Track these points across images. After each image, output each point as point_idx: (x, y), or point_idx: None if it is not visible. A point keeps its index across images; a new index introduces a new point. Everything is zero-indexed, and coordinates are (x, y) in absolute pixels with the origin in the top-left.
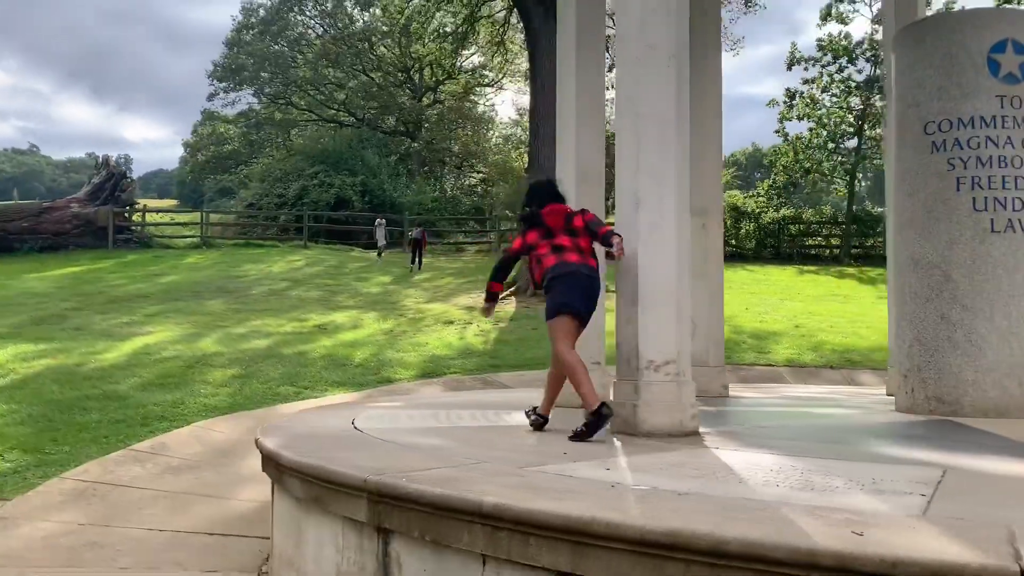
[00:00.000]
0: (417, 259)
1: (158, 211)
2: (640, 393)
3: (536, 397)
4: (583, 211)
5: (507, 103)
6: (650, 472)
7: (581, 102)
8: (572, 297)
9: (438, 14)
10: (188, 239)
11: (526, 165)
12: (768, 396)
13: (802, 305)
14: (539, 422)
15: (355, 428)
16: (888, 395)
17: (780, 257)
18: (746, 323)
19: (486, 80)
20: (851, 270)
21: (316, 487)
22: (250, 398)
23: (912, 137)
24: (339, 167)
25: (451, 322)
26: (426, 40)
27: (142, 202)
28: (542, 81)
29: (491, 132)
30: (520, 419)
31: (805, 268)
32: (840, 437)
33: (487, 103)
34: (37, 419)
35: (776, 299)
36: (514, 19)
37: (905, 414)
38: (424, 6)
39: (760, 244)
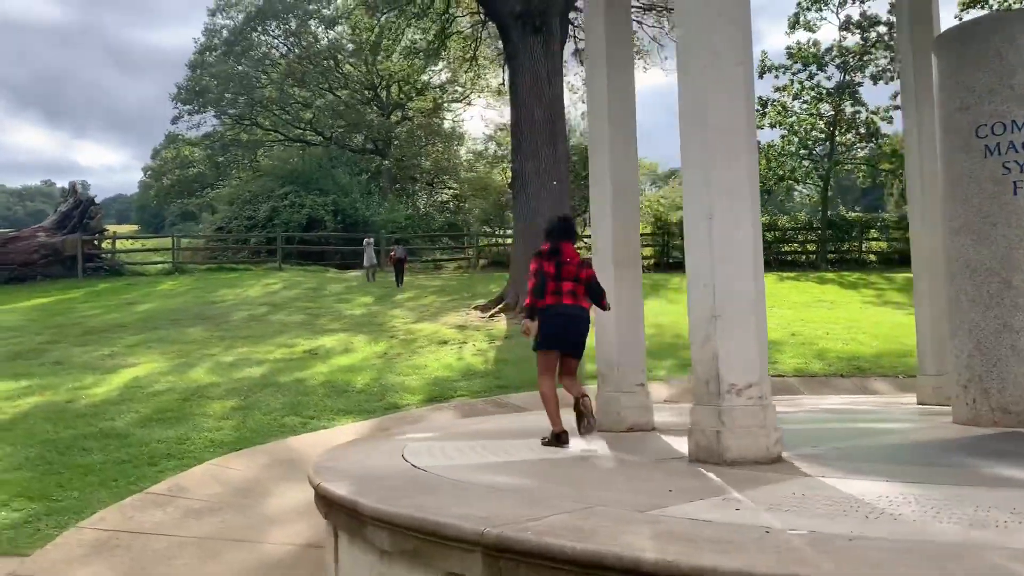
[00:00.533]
0: (399, 278)
1: (127, 237)
2: (723, 419)
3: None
4: (588, 265)
5: (475, 118)
6: (781, 509)
7: (613, 110)
8: (559, 337)
9: (408, 31)
10: (159, 265)
11: (509, 180)
12: (800, 410)
13: (792, 312)
14: (561, 438)
15: (414, 466)
16: (920, 404)
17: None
18: None
19: (455, 96)
20: (831, 275)
21: (412, 539)
22: (256, 431)
23: (961, 141)
24: (310, 187)
25: (445, 342)
26: (395, 57)
27: (111, 229)
28: (522, 96)
29: (461, 148)
30: (577, 448)
31: (784, 275)
32: (930, 457)
33: (456, 119)
34: (36, 462)
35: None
36: (486, 34)
37: (969, 426)
38: (394, 23)
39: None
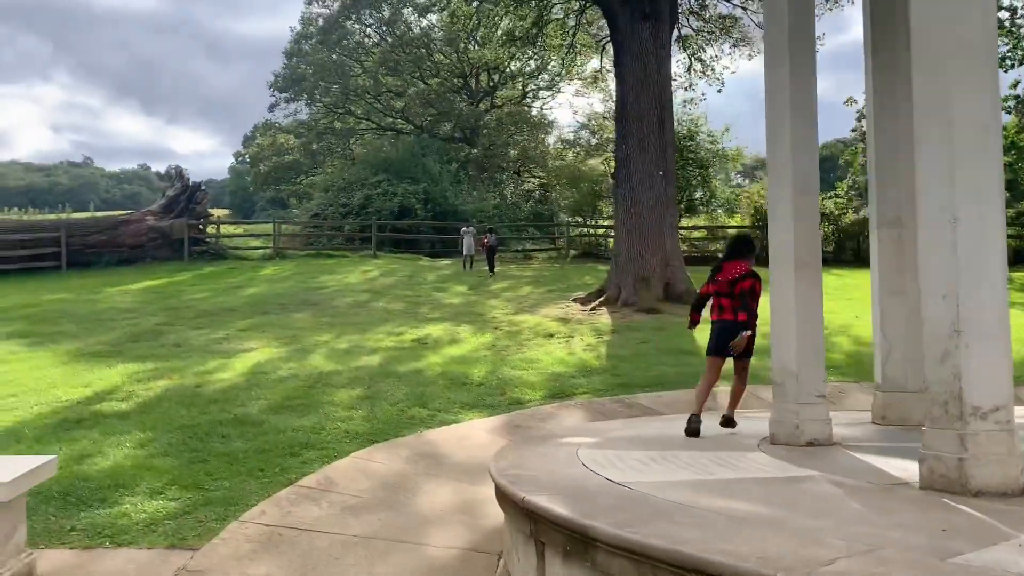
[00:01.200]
0: (491, 263)
1: (230, 222)
2: (966, 445)
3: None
4: (745, 278)
5: (564, 106)
6: None
7: (795, 99)
8: (717, 346)
9: (506, 18)
10: (261, 251)
11: (612, 169)
12: None
13: None
14: (691, 420)
15: (610, 480)
16: None
17: (861, 260)
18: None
19: (543, 83)
20: None
21: (665, 574)
22: (386, 422)
23: None
24: (401, 175)
25: (551, 335)
26: (495, 44)
27: (215, 214)
28: (630, 83)
29: (549, 136)
30: (763, 461)
31: None
32: None
33: (544, 107)
34: (180, 448)
35: None
36: (584, 20)
37: None
38: (492, 10)
39: (839, 247)
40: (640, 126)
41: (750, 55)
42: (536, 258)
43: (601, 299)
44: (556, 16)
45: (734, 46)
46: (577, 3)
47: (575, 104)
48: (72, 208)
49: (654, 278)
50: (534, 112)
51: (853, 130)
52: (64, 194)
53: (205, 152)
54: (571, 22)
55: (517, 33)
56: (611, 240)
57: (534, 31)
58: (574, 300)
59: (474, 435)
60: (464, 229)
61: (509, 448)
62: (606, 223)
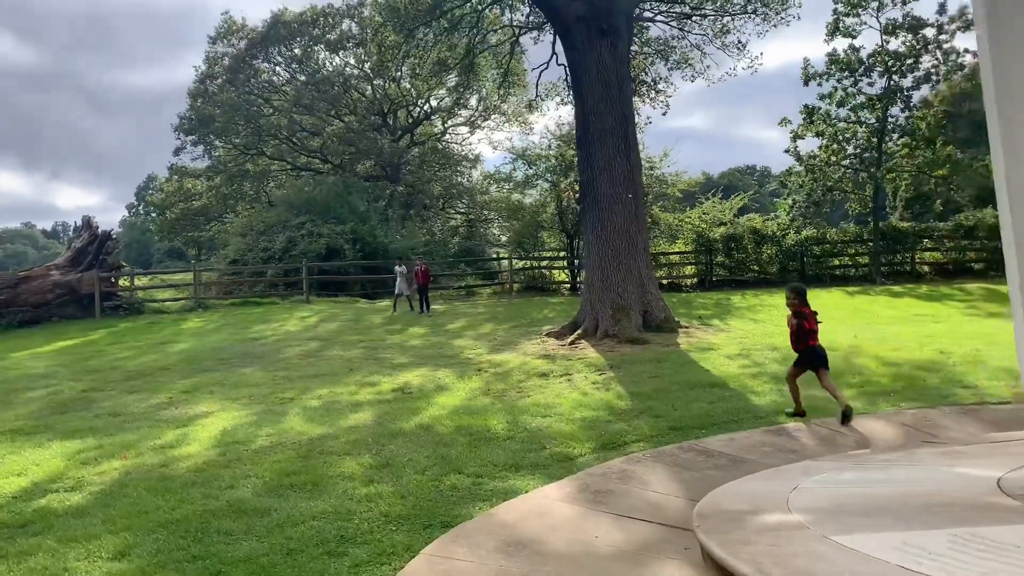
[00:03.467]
0: (424, 300)
1: (144, 273)
2: None
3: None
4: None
5: (483, 142)
6: None
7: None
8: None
9: (435, 49)
10: (180, 302)
11: (576, 195)
12: None
13: (910, 329)
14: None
15: None
16: None
17: (807, 279)
18: (889, 353)
19: (465, 119)
20: (898, 288)
21: None
22: (426, 497)
23: None
24: (326, 215)
25: (544, 375)
26: (425, 75)
27: (126, 265)
28: (591, 104)
29: (474, 171)
30: None
31: (848, 289)
32: None
33: (464, 142)
34: (176, 557)
35: (863, 323)
36: (520, 49)
37: None
38: (422, 39)
39: (783, 268)
40: (604, 147)
41: (692, 77)
42: (480, 294)
43: (578, 332)
44: (489, 44)
45: (671, 69)
46: (512, 30)
47: (495, 140)
48: None
49: (632, 307)
50: (454, 148)
51: (786, 150)
52: None
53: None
54: (505, 50)
55: (450, 63)
56: (555, 272)
57: (466, 60)
58: (547, 335)
59: (555, 510)
60: (398, 268)
61: (718, 539)
62: (549, 255)
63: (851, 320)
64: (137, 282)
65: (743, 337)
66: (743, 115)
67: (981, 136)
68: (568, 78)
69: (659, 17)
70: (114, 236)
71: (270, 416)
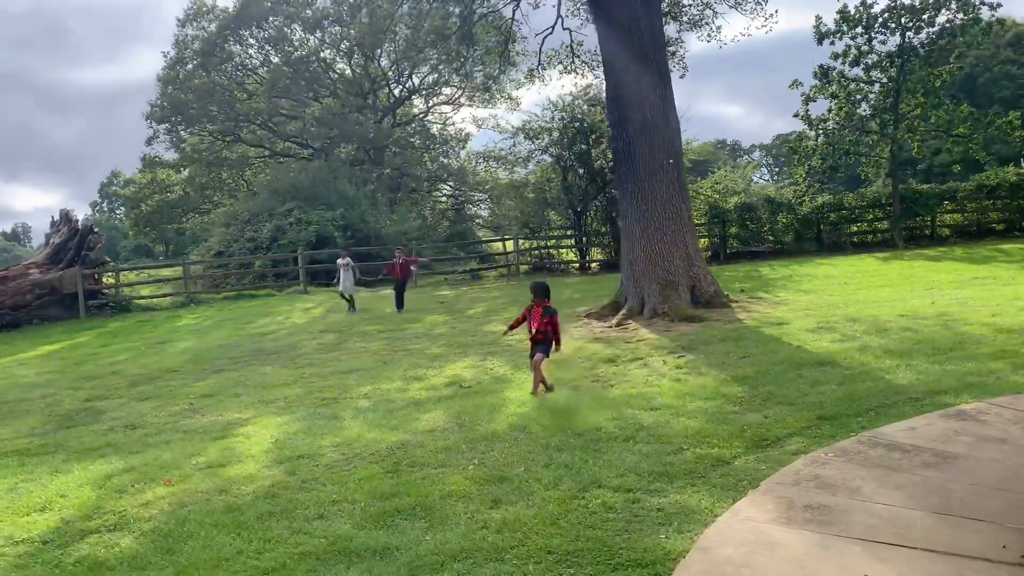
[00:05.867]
0: (399, 297)
1: (130, 269)
2: None
3: None
4: None
5: (467, 120)
6: None
7: None
8: None
9: (429, 18)
10: (170, 298)
11: (610, 163)
12: None
13: (983, 292)
14: None
15: None
16: None
17: (824, 247)
18: (993, 319)
19: (451, 97)
20: (930, 252)
21: None
22: (586, 523)
23: None
24: (313, 202)
25: (611, 360)
26: (420, 44)
27: (110, 260)
28: (623, 62)
29: (462, 150)
30: None
31: (877, 255)
32: None
33: (447, 121)
34: None
35: (922, 289)
36: (521, 14)
37: None
38: (416, 7)
39: (799, 236)
40: (640, 109)
41: (708, 38)
42: (486, 277)
43: (623, 312)
44: (491, 7)
45: (681, 30)
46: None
47: (479, 118)
48: None
49: (680, 282)
50: (437, 127)
51: (795, 115)
52: None
53: (51, 207)
54: (507, 14)
55: (446, 31)
56: (563, 252)
57: (464, 28)
58: (587, 316)
59: (778, 539)
60: (340, 260)
61: None
62: (556, 234)
63: (905, 286)
64: (123, 278)
65: (807, 309)
66: (701, 91)
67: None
68: (598, 36)
69: None
70: (96, 231)
71: (321, 421)
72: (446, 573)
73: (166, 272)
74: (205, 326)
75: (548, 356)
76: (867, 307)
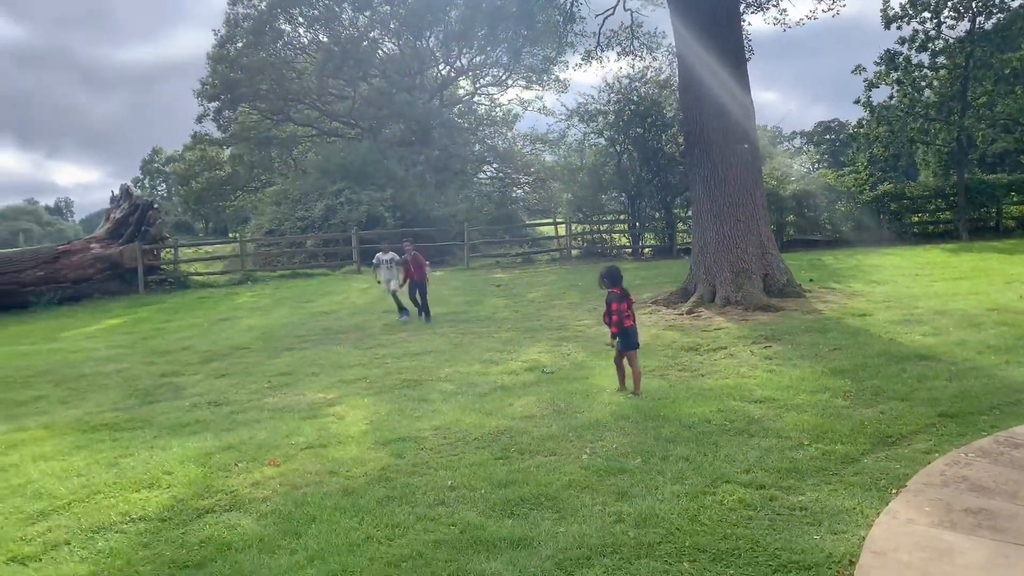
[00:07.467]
0: (422, 300)
1: (188, 245)
2: None
3: None
4: None
5: (513, 102)
6: None
7: None
8: None
9: None
10: (227, 275)
11: (681, 148)
12: None
13: None
14: None
15: None
16: None
17: (884, 237)
18: None
19: (490, 80)
20: (999, 244)
21: None
22: (727, 521)
23: None
24: (363, 182)
25: (693, 349)
26: (473, 25)
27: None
28: (698, 42)
29: (509, 131)
30: None
31: (944, 247)
32: None
33: (495, 103)
34: None
35: (1002, 282)
36: None
37: None
38: None
39: (858, 226)
40: (715, 91)
41: (774, 21)
42: (538, 261)
43: (693, 299)
44: None
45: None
46: None
47: (525, 99)
48: None
49: (753, 270)
50: (483, 109)
51: (856, 101)
52: None
53: (92, 184)
54: None
55: (507, 10)
56: (616, 236)
57: (526, 7)
58: (655, 303)
59: (949, 544)
60: (383, 255)
61: None
62: (609, 218)
63: (982, 279)
64: (181, 254)
65: (886, 301)
66: None
67: None
68: (671, 16)
69: None
70: (156, 206)
71: (411, 403)
72: (595, 568)
73: (226, 248)
74: (265, 304)
75: (622, 350)
76: (950, 300)
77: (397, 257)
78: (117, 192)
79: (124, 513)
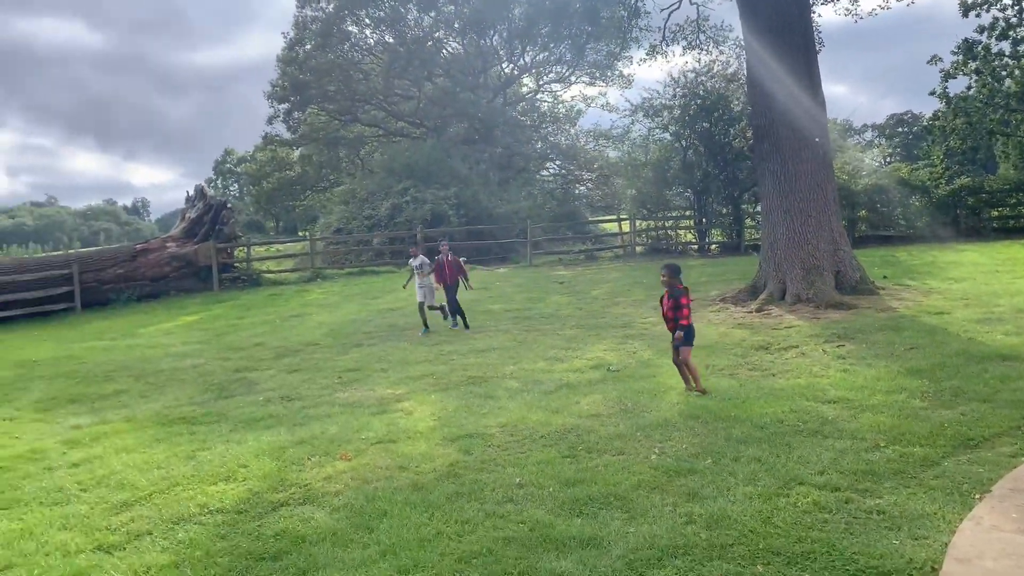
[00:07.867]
0: (452, 307)
1: (259, 243)
2: None
3: None
4: None
5: (576, 99)
6: None
7: None
8: None
9: None
10: (297, 273)
11: (749, 142)
12: None
13: None
14: None
15: None
16: None
17: (962, 232)
18: None
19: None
20: None
21: None
22: (802, 524)
23: None
24: (428, 181)
25: (764, 348)
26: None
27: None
28: (768, 35)
29: (572, 128)
30: None
31: None
32: None
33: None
34: None
35: None
36: None
37: None
38: None
39: (934, 221)
40: (785, 83)
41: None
42: (600, 258)
43: (762, 297)
44: None
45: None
46: None
47: (588, 95)
48: (38, 247)
49: (825, 267)
50: (546, 106)
51: (932, 92)
52: (30, 235)
53: (166, 184)
54: None
55: (572, 7)
56: (681, 232)
57: (590, 3)
58: (723, 301)
59: None
60: (412, 261)
61: None
62: (674, 215)
63: None
64: (254, 253)
65: (965, 299)
66: None
67: None
68: (739, 7)
69: None
70: (229, 206)
71: (477, 400)
72: (667, 569)
73: (296, 247)
74: (333, 301)
75: (685, 346)
76: None
77: (428, 262)
78: (192, 192)
79: (202, 505)
